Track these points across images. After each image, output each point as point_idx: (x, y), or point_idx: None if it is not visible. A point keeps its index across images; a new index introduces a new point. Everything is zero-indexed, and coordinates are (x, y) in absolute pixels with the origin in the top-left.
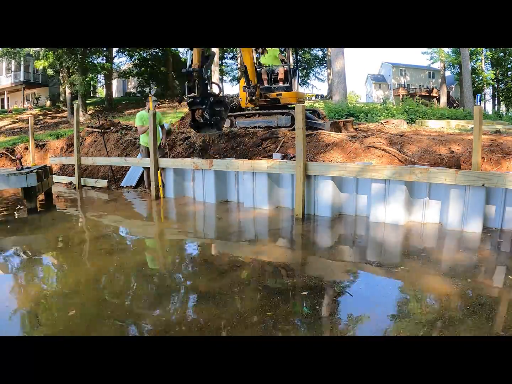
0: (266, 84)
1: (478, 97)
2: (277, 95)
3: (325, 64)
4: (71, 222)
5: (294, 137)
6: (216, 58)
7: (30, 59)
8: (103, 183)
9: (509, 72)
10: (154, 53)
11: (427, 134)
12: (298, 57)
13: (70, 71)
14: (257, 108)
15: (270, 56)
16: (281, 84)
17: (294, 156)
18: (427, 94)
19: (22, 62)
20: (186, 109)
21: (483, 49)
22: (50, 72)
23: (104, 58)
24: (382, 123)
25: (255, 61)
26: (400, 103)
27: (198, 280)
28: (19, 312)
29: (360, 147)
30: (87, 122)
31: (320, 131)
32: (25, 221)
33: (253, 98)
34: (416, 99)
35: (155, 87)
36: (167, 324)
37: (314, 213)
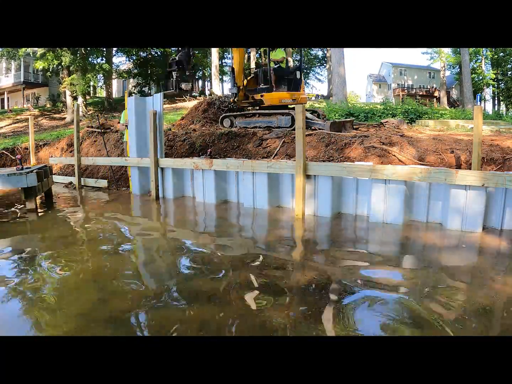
0: (262, 85)
1: (478, 97)
2: (261, 96)
3: (325, 64)
4: (71, 222)
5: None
6: (216, 58)
7: (30, 59)
8: (103, 183)
9: (509, 72)
10: (153, 53)
11: (427, 134)
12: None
13: (71, 70)
14: (257, 108)
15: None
16: (262, 85)
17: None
18: (427, 94)
19: (22, 62)
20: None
21: (483, 49)
22: (49, 72)
23: (104, 58)
24: (382, 123)
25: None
26: (400, 103)
27: (197, 279)
28: (19, 312)
29: (359, 147)
30: (87, 122)
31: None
32: (25, 221)
33: (236, 99)
34: (416, 99)
35: (156, 87)
36: (166, 324)
37: (314, 213)
